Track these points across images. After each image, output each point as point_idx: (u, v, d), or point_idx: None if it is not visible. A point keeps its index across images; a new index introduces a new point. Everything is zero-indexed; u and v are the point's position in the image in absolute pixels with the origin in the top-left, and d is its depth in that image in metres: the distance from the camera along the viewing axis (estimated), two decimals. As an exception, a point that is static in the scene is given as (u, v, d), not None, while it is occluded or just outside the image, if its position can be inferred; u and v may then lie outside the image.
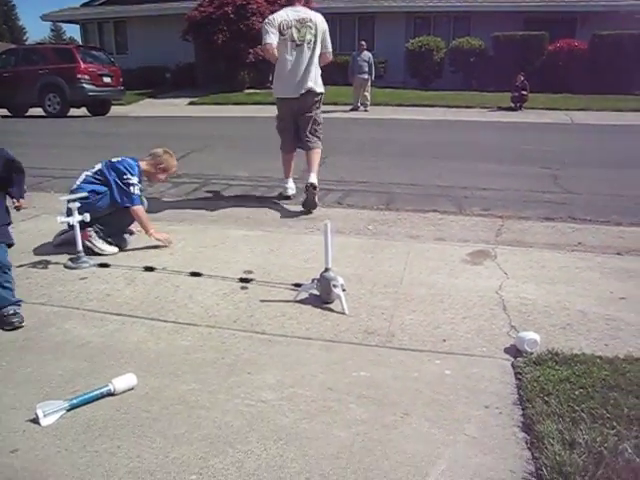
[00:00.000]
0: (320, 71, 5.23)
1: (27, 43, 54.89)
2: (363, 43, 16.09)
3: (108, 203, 3.90)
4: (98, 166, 4.04)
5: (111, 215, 3.92)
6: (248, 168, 7.05)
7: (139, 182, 4.00)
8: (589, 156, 8.46)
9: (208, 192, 5.99)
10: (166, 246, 4.02)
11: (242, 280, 3.37)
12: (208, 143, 9.39)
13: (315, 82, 5.15)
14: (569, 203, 5.52)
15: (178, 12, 20.73)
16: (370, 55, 15.78)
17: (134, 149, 9.08)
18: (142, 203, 4.06)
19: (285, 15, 5.09)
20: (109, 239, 3.95)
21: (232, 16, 18.72)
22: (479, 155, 8.42)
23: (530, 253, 3.95)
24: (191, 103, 18.30)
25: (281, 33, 5.04)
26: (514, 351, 2.54)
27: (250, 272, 3.51)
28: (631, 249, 4.13)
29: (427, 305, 3.03)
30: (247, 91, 19.82)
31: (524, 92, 15.52)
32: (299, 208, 5.10)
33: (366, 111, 15.48)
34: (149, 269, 3.58)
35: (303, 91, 5.10)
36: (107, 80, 16.07)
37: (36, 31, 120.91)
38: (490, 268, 3.61)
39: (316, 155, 5.23)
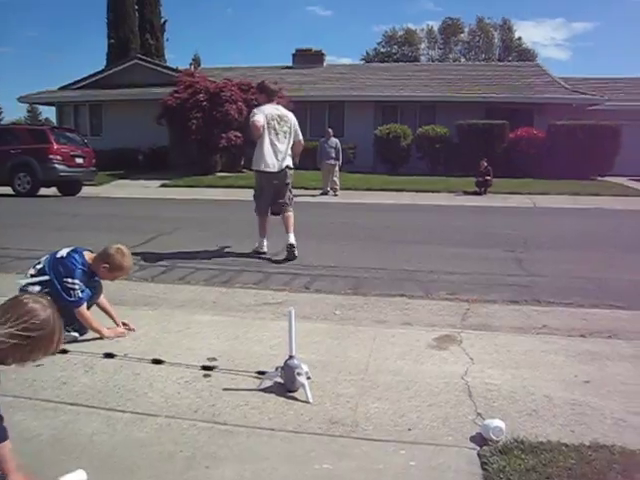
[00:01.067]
0: (290, 152, 6.82)
1: (2, 123, 55.48)
2: (330, 130, 16.65)
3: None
4: (39, 265, 3.81)
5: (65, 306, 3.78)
6: (216, 252, 7.05)
7: (83, 281, 3.74)
8: (551, 239, 8.69)
9: (175, 276, 5.94)
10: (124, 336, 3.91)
11: (205, 368, 3.29)
12: (178, 226, 9.42)
13: (289, 161, 6.79)
14: (533, 286, 5.61)
15: (153, 97, 21.30)
16: (337, 141, 16.29)
17: (103, 230, 9.17)
18: (92, 296, 3.86)
19: (270, 109, 6.67)
20: (67, 327, 3.83)
21: (205, 103, 19.31)
22: (446, 239, 8.58)
23: (496, 337, 3.96)
24: (163, 185, 18.47)
25: (267, 122, 6.56)
26: (480, 439, 2.49)
27: (214, 359, 3.44)
28: (594, 331, 4.18)
29: (393, 392, 2.99)
30: (219, 174, 20.16)
31: (488, 177, 16.07)
32: (267, 292, 5.09)
33: (335, 195, 15.80)
34: (109, 355, 3.48)
35: (283, 167, 6.68)
36: (79, 161, 16.22)
37: (12, 111, 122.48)
38: (456, 353, 3.60)
39: (291, 218, 6.80)
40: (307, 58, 28.73)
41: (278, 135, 6.64)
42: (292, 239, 6.64)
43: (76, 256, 3.78)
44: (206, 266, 6.34)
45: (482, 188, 16.05)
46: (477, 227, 10.01)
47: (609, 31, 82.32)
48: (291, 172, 6.84)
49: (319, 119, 23.38)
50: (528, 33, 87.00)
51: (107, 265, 3.79)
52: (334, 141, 16.20)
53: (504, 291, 5.36)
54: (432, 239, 8.51)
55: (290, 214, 6.83)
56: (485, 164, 16.16)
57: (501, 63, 39.27)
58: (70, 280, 3.69)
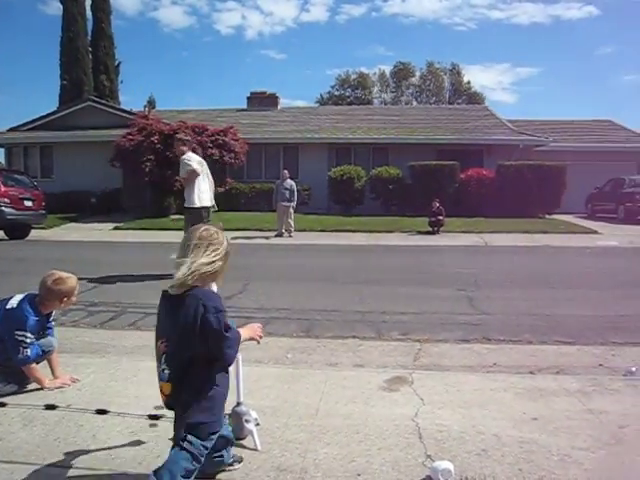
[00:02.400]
0: None
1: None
2: (285, 172, 16.77)
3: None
4: None
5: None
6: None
7: (36, 331, 3.63)
8: (501, 277, 8.87)
9: (124, 321, 5.83)
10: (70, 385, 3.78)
11: (152, 417, 3.21)
12: (128, 269, 9.26)
13: (212, 197, 8.60)
14: (484, 324, 5.71)
15: (106, 139, 21.12)
16: (292, 183, 16.40)
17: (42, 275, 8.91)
18: (46, 352, 3.76)
19: (196, 157, 8.51)
20: (6, 380, 3.68)
21: (159, 145, 19.25)
22: (398, 279, 8.67)
23: (446, 377, 3.99)
24: (116, 228, 18.19)
25: (202, 168, 8.33)
26: (429, 483, 2.49)
27: (161, 407, 3.33)
28: (542, 367, 4.27)
29: (342, 437, 2.97)
30: (173, 217, 19.96)
31: (440, 217, 16.38)
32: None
33: (290, 237, 15.82)
34: (51, 407, 3.36)
35: (213, 202, 8.62)
36: (28, 204, 15.84)
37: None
38: (407, 394, 3.61)
39: None
40: (261, 101, 29.10)
41: (207, 177, 8.52)
42: None
43: (27, 306, 3.61)
44: (155, 311, 6.21)
45: (435, 227, 16.34)
46: (430, 266, 10.16)
47: (553, 76, 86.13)
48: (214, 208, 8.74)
49: (274, 161, 23.57)
50: (476, 77, 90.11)
51: (42, 298, 3.66)
52: (289, 182, 16.32)
53: (455, 330, 5.43)
54: (385, 279, 8.59)
55: None
56: (437, 204, 16.49)
57: (451, 106, 40.61)
58: (21, 332, 3.53)
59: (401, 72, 60.24)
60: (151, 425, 3.12)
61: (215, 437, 2.32)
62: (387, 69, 62.50)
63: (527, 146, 22.48)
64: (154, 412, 3.26)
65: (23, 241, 15.39)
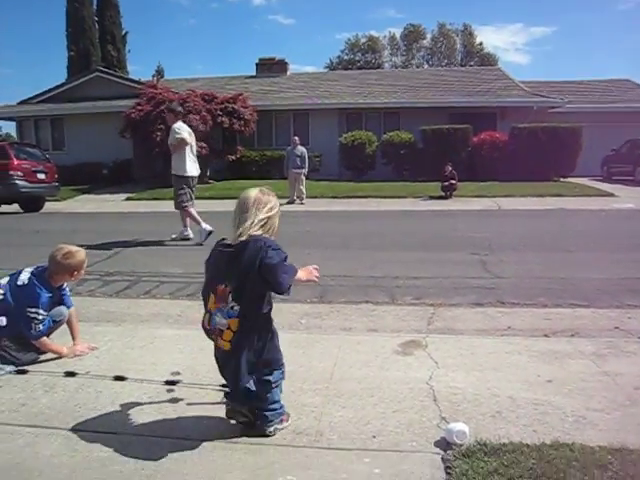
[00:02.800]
0: None
1: (-41, 141, 54.13)
2: (296, 138, 16.66)
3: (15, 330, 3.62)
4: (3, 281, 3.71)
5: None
6: (182, 264, 7.00)
7: (48, 307, 3.66)
8: (515, 240, 8.82)
9: (139, 290, 5.88)
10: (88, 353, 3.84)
11: (168, 382, 3.26)
12: (142, 239, 9.31)
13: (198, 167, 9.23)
14: (497, 287, 5.69)
15: (115, 110, 21.07)
16: (303, 150, 16.32)
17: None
18: (54, 323, 3.76)
19: (186, 127, 9.02)
20: (25, 348, 3.74)
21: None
22: (411, 244, 8.65)
23: (460, 340, 4.00)
24: (128, 199, 18.25)
25: (190, 138, 8.85)
26: (444, 444, 2.52)
27: (178, 373, 3.41)
28: (557, 330, 4.26)
29: (357, 400, 3.00)
30: (185, 186, 20.03)
31: (453, 181, 16.25)
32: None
33: (302, 204, 15.79)
34: (70, 374, 3.42)
35: (199, 171, 9.24)
36: (41, 176, 15.91)
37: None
38: (421, 358, 3.63)
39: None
40: (270, 67, 28.73)
41: (193, 148, 8.98)
42: (208, 227, 8.77)
43: (37, 282, 3.63)
44: (171, 279, 6.28)
45: (447, 192, 16.22)
46: (442, 231, 10.11)
47: (567, 35, 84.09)
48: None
49: (284, 128, 23.40)
50: (489, 38, 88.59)
51: (51, 271, 3.71)
52: (300, 149, 16.23)
53: (469, 294, 5.43)
54: (398, 245, 8.57)
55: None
56: (450, 168, 16.34)
57: (463, 68, 39.87)
58: (33, 310, 3.57)
59: (412, 34, 59.18)
60: (168, 390, 3.17)
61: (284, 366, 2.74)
62: (397, 32, 61.43)
63: (541, 108, 22.11)
64: (171, 378, 3.31)
65: (38, 214, 15.52)
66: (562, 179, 19.71)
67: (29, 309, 3.55)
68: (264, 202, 2.65)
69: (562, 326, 4.38)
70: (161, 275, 6.49)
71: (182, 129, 8.76)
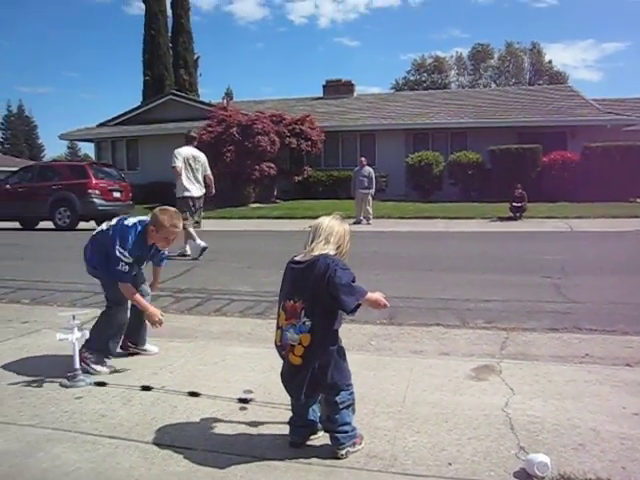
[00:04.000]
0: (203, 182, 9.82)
1: (44, 160, 57.24)
2: (363, 159, 16.72)
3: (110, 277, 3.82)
4: (113, 222, 3.90)
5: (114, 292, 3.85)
6: (251, 283, 7.10)
7: (135, 254, 3.77)
8: (590, 263, 8.49)
9: (211, 307, 5.98)
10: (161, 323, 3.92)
11: (241, 400, 3.28)
12: (213, 257, 9.50)
13: (203, 188, 9.87)
14: (573, 312, 5.47)
15: (186, 132, 21.75)
16: (370, 170, 16.34)
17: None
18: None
19: (186, 151, 9.67)
20: (104, 360, 3.89)
21: (238, 136, 19.64)
22: (481, 266, 8.46)
23: (536, 367, 3.86)
24: (197, 218, 18.74)
25: (187, 162, 9.57)
26: (524, 475, 2.41)
27: (250, 392, 3.43)
28: (640, 360, 4.04)
29: (431, 425, 2.92)
30: (252, 205, 20.38)
31: (522, 202, 15.88)
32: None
33: (369, 224, 15.78)
34: (146, 388, 3.50)
35: (202, 192, 9.84)
36: (117, 195, 16.61)
37: (54, 147, 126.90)
38: (495, 384, 3.52)
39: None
40: (337, 88, 29.09)
41: (194, 170, 9.64)
42: (202, 243, 9.45)
43: (137, 227, 3.80)
44: (241, 297, 6.36)
45: (517, 213, 15.86)
46: (513, 253, 9.86)
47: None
48: (204, 197, 10.01)
49: (351, 149, 23.56)
50: (558, 56, 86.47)
51: (154, 227, 3.79)
52: (367, 170, 16.27)
53: (543, 319, 5.24)
54: (467, 267, 8.40)
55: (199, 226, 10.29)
56: (520, 190, 15.98)
57: (532, 87, 39.10)
58: (120, 250, 3.69)
59: (479, 54, 58.68)
60: (241, 409, 3.18)
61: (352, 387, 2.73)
62: (464, 52, 61.16)
63: (615, 126, 21.37)
64: (243, 396, 3.33)
65: (113, 231, 16.10)
66: (638, 200, 18.89)
67: (118, 248, 3.69)
68: (337, 227, 2.73)
69: (646, 355, 4.15)
70: (231, 293, 6.58)
71: (178, 155, 9.52)
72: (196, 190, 9.68)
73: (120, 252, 3.69)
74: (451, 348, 4.38)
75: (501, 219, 16.02)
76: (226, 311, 5.83)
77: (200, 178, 9.77)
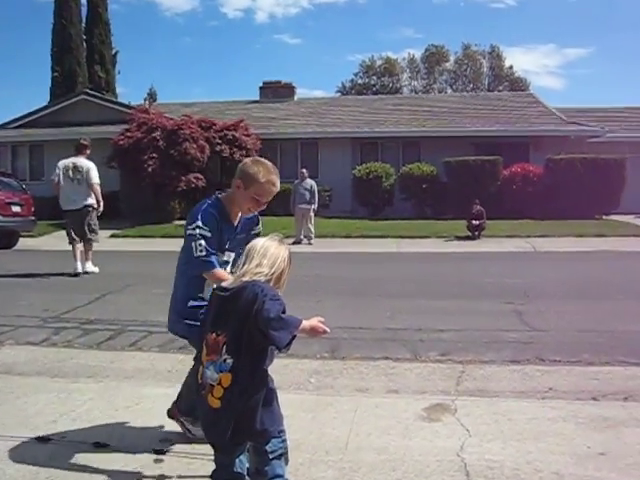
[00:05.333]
0: (90, 193, 10.19)
1: None
2: (304, 171, 16.78)
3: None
4: None
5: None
6: (173, 311, 6.94)
7: (212, 227, 3.10)
8: (554, 287, 8.74)
9: (125, 341, 5.84)
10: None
11: (157, 451, 3.18)
12: (129, 282, 9.31)
13: (89, 201, 10.18)
14: (536, 342, 5.60)
15: (102, 136, 21.30)
16: (312, 183, 16.39)
17: (41, 288, 9.04)
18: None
19: (65, 162, 10.23)
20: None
21: (162, 142, 19.43)
22: (436, 291, 8.58)
23: (495, 404, 3.91)
24: (113, 236, 18.31)
25: (66, 172, 10.07)
26: (480, 529, 2.42)
27: (168, 440, 3.33)
28: (607, 392, 4.16)
29: (377, 474, 2.90)
30: (177, 222, 20.06)
31: (481, 220, 16.24)
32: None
33: (310, 244, 15.79)
34: (43, 440, 3.34)
35: (81, 206, 10.11)
36: (16, 209, 16.01)
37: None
38: (450, 425, 3.54)
39: (90, 246, 10.48)
40: (276, 91, 29.23)
41: (73, 182, 10.03)
42: (88, 267, 10.29)
43: (206, 201, 3.23)
44: (161, 329, 6.20)
45: (475, 232, 16.20)
46: (471, 276, 10.05)
47: (605, 57, 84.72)
48: (89, 208, 10.24)
49: (291, 159, 23.60)
50: (518, 60, 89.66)
51: (240, 182, 3.17)
52: (309, 183, 16.30)
53: (503, 349, 5.34)
54: (420, 292, 8.51)
55: (91, 243, 10.51)
56: (478, 207, 16.34)
57: (491, 94, 40.39)
58: (193, 225, 3.07)
59: (433, 56, 60.21)
60: (156, 461, 3.09)
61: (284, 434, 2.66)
62: (417, 53, 62.50)
63: (579, 137, 22.26)
64: (159, 447, 3.23)
65: (10, 251, 15.57)
66: (604, 217, 19.64)
67: (188, 227, 3.11)
68: (274, 249, 2.66)
69: (613, 388, 4.27)
70: (149, 324, 6.43)
71: (57, 167, 10.27)
72: (70, 202, 10.11)
73: (191, 228, 3.08)
74: (401, 385, 4.40)
75: (458, 238, 16.33)
76: (143, 345, 5.71)
77: (83, 190, 10.12)
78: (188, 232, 3.10)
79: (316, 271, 10.37)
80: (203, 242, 3.05)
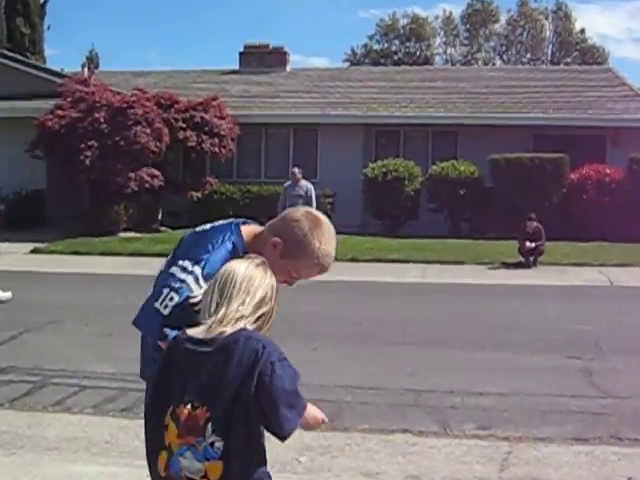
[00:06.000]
0: None
1: None
2: (296, 170, 16.73)
3: None
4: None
5: None
6: (114, 359, 6.96)
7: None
8: (636, 337, 8.72)
9: (47, 398, 5.85)
10: None
11: None
12: (54, 317, 9.31)
13: None
14: (611, 413, 5.61)
15: (21, 115, 21.34)
16: (309, 186, 16.38)
17: None
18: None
19: None
20: None
21: (105, 126, 19.43)
22: (474, 338, 8.57)
23: (553, 499, 3.92)
24: (34, 251, 18.33)
25: None
26: None
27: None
28: None
29: None
30: (123, 234, 20.10)
31: (538, 241, 16.23)
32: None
33: (303, 269, 15.78)
34: None
35: None
36: None
37: None
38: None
39: None
40: (261, 58, 29.08)
41: None
42: None
43: (229, 230, 2.92)
44: (96, 383, 6.25)
45: (530, 257, 16.18)
46: (523, 319, 10.04)
47: None
48: None
49: (279, 151, 23.52)
50: (593, 22, 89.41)
51: (282, 244, 2.84)
52: (304, 186, 16.29)
53: (565, 422, 5.35)
54: (452, 339, 8.49)
55: None
56: (534, 223, 16.31)
57: (555, 67, 40.50)
58: (184, 263, 2.78)
59: (478, 15, 60.45)
60: None
61: None
62: (455, 11, 62.72)
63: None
64: None
65: None
66: None
67: (181, 259, 2.82)
68: (259, 278, 2.51)
69: None
70: (81, 376, 6.46)
71: None
72: None
73: (181, 265, 2.80)
74: (424, 469, 4.41)
75: (506, 265, 16.30)
76: (72, 405, 5.73)
77: None
78: (176, 266, 2.80)
79: (310, 307, 10.38)
80: (176, 300, 2.71)
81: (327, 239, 2.89)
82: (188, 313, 2.64)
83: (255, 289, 2.48)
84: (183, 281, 2.71)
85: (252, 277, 2.50)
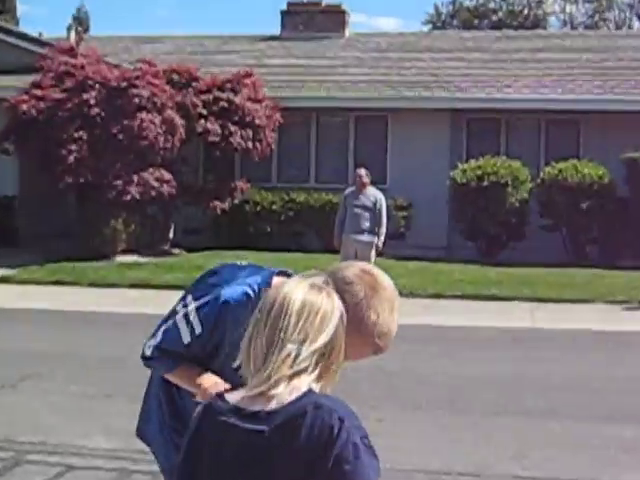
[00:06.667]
0: None
1: None
2: (363, 172, 16.60)
3: None
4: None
5: None
6: (111, 430, 7.02)
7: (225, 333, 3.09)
8: None
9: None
10: None
11: None
12: (30, 371, 9.44)
13: None
14: None
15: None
16: (379, 196, 16.26)
17: None
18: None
19: None
20: None
21: (98, 110, 19.47)
22: (603, 407, 8.50)
23: None
24: (3, 280, 18.58)
25: None
26: None
27: None
28: None
29: None
30: (121, 258, 20.20)
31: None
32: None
33: (370, 305, 15.77)
34: None
35: None
36: None
37: None
38: None
39: None
40: (312, 20, 29.03)
41: None
42: None
43: (259, 274, 3.22)
44: (87, 463, 6.29)
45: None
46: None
47: None
48: None
49: (335, 148, 23.52)
50: None
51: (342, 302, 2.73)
52: (371, 195, 16.12)
53: None
54: (576, 407, 8.44)
55: None
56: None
57: None
58: (188, 299, 3.16)
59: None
60: None
61: None
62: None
63: None
64: None
65: None
66: None
67: (186, 299, 3.18)
68: (324, 305, 2.28)
69: None
70: (67, 452, 6.52)
71: None
72: None
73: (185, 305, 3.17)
74: None
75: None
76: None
77: None
78: (177, 308, 3.13)
79: (377, 361, 10.37)
80: (155, 342, 3.18)
81: (388, 310, 2.86)
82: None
83: (320, 320, 2.25)
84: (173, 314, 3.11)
85: (313, 304, 2.27)
